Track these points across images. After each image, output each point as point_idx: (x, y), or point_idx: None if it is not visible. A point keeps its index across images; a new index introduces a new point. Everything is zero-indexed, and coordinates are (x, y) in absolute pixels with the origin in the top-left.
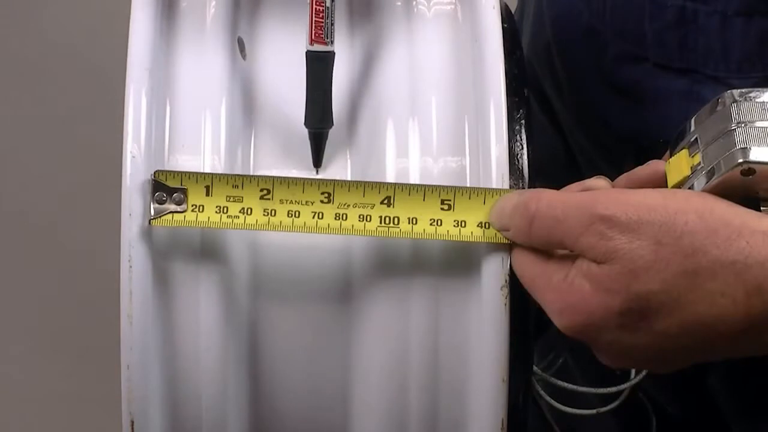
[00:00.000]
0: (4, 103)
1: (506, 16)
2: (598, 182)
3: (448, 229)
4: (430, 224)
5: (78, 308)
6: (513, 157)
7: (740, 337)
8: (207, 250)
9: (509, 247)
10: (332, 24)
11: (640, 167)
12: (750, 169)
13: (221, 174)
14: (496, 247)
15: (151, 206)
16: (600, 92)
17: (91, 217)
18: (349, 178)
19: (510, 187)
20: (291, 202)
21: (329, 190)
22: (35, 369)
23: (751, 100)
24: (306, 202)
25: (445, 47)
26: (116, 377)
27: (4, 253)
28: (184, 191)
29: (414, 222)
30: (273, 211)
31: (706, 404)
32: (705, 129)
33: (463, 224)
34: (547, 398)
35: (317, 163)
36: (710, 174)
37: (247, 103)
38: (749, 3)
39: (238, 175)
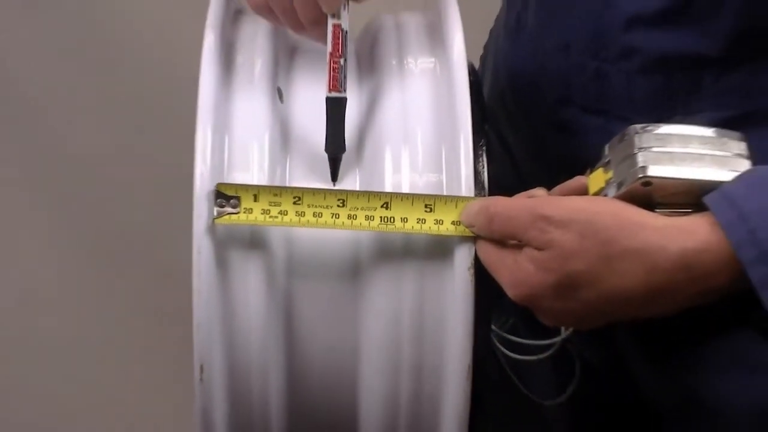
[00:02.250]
0: (106, 130)
1: (472, 71)
2: (539, 191)
3: (430, 226)
4: (417, 222)
5: (160, 287)
6: (477, 174)
7: (643, 303)
8: (254, 241)
9: (475, 239)
10: (345, 77)
11: (569, 180)
12: (648, 182)
13: (265, 186)
14: (465, 239)
15: (215, 209)
16: (543, 127)
17: (169, 219)
18: (357, 189)
19: (475, 195)
20: (316, 206)
21: (343, 197)
22: (133, 336)
23: (649, 132)
24: (326, 206)
25: (427, 94)
26: (189, 335)
27: (103, 248)
28: (238, 198)
29: (405, 221)
30: (303, 213)
31: (616, 355)
32: (615, 153)
33: (441, 222)
34: (502, 349)
35: (334, 178)
36: (619, 185)
37: (284, 135)
38: (646, 65)
39: (277, 186)
